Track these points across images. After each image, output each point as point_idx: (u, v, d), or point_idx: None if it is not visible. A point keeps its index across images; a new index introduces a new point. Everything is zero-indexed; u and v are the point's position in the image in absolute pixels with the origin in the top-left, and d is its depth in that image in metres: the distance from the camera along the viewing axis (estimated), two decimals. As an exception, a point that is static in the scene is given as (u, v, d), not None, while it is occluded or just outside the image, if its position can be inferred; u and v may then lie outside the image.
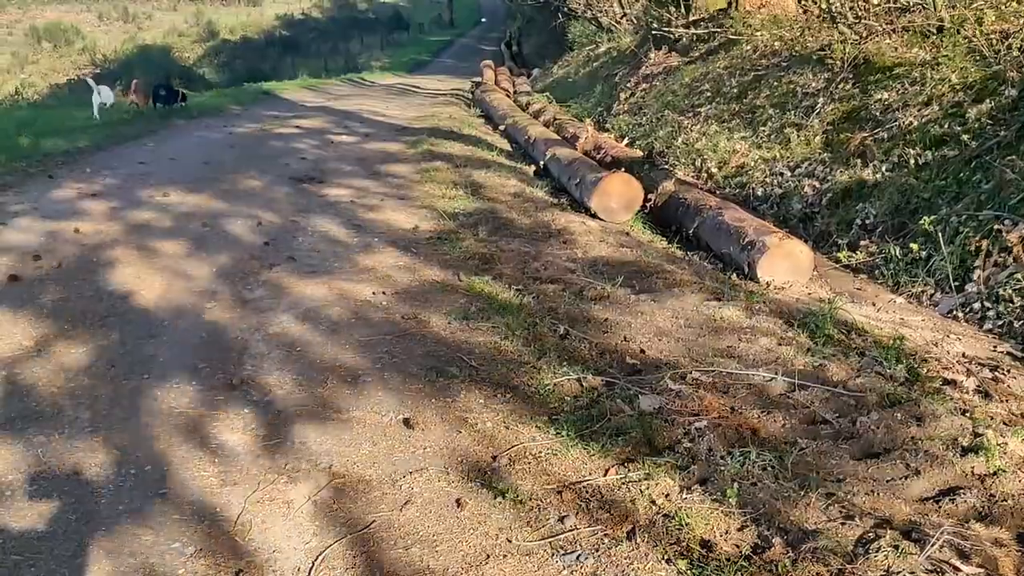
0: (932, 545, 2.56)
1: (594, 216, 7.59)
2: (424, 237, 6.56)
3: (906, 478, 3.09)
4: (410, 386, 3.90)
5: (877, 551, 2.61)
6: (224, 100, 17.81)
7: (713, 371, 4.04)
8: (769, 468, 3.10)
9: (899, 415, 3.62)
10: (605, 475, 3.10)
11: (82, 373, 4.03)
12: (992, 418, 3.76)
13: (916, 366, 4.38)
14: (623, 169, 7.80)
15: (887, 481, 3.08)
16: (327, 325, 4.66)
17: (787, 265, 6.17)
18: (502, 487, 3.03)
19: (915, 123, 7.53)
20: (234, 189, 8.27)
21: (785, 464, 3.14)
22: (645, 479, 3.04)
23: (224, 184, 8.48)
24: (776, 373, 4.05)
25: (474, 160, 10.21)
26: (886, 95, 8.22)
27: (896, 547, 2.62)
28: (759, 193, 8.44)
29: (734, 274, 6.28)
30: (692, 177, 9.59)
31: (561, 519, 2.86)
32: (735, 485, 2.96)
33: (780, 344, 4.48)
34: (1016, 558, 2.63)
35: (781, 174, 8.47)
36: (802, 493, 2.92)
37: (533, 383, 3.90)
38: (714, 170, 9.43)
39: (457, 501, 2.98)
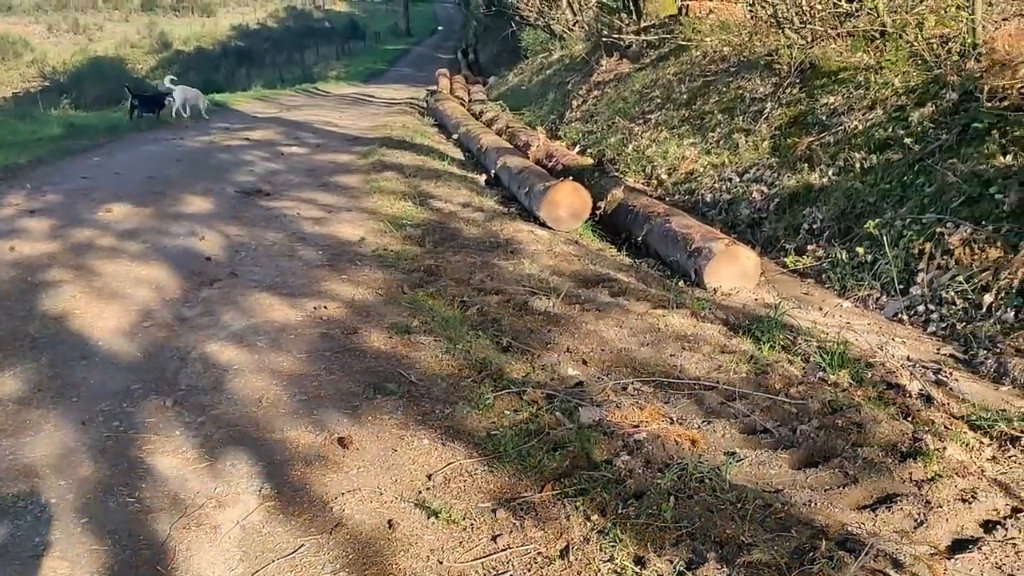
0: (864, 555, 2.53)
1: (543, 225, 7.55)
2: (370, 249, 6.48)
3: (844, 486, 3.07)
4: (347, 404, 3.82)
5: (812, 563, 2.58)
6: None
7: (655, 381, 4.00)
8: (706, 480, 3.06)
9: (840, 422, 3.61)
10: (541, 491, 3.04)
11: (6, 398, 3.90)
12: (933, 422, 3.76)
13: (860, 371, 4.39)
14: (572, 178, 7.77)
15: (825, 490, 3.05)
16: (266, 342, 4.57)
17: (734, 271, 6.17)
18: (436, 506, 2.96)
19: (860, 127, 7.59)
20: (179, 204, 8.13)
21: (723, 476, 3.11)
22: (581, 494, 2.99)
23: (169, 199, 8.33)
24: (717, 382, 4.03)
25: (425, 170, 10.14)
26: (832, 99, 8.29)
27: (831, 558, 2.59)
28: (708, 199, 8.46)
29: (682, 281, 6.27)
30: (642, 184, 9.61)
31: (494, 538, 2.80)
32: (671, 499, 2.92)
33: (723, 352, 4.46)
34: (948, 566, 2.62)
35: (730, 180, 8.49)
36: (739, 505, 2.89)
37: (473, 397, 3.84)
38: (664, 176, 9.45)
39: (389, 522, 2.91)
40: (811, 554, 2.62)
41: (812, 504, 2.94)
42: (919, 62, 7.84)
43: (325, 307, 5.13)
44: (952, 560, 2.64)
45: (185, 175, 9.86)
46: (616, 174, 9.48)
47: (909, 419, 3.78)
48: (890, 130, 7.26)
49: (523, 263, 6.10)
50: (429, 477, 3.20)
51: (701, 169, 9.03)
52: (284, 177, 9.98)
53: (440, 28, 64.73)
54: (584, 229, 7.63)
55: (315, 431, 3.57)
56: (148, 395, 3.93)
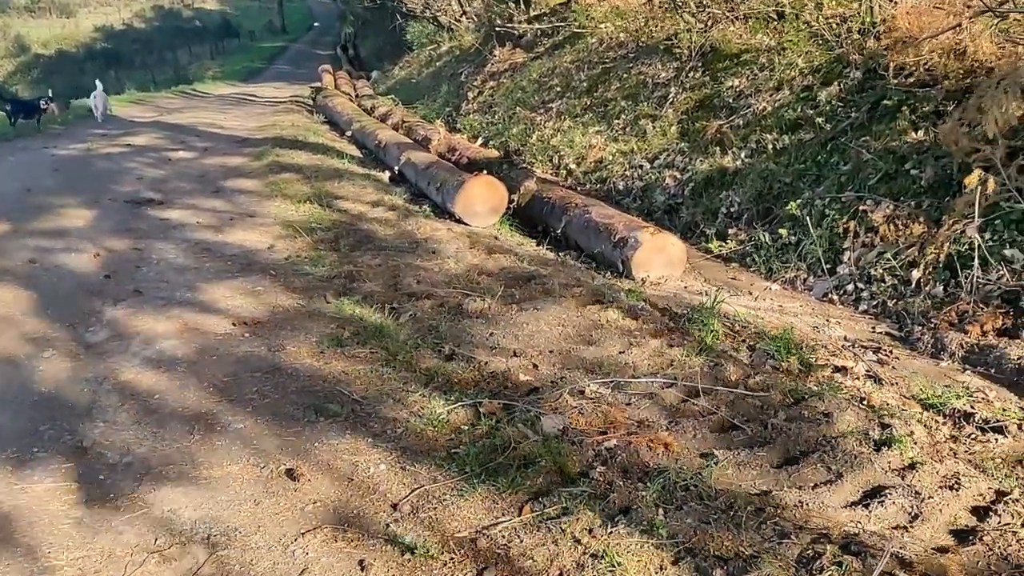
0: (882, 562, 2.40)
1: (459, 221, 7.31)
2: (282, 257, 6.11)
3: (830, 483, 2.96)
4: (288, 430, 3.51)
5: (822, 571, 2.44)
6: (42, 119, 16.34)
7: (611, 382, 3.83)
8: (692, 488, 2.90)
9: (806, 412, 3.51)
10: (520, 514, 2.82)
11: None
12: (888, 404, 3.70)
13: (807, 356, 4.31)
14: (484, 171, 7.54)
15: (812, 488, 2.93)
16: (185, 366, 4.19)
17: (661, 259, 6.07)
18: (409, 541, 2.69)
19: (769, 108, 7.61)
20: (64, 218, 7.53)
21: (706, 481, 2.95)
22: (563, 515, 2.78)
23: (52, 213, 7.72)
24: (675, 378, 3.89)
25: (325, 170, 9.74)
26: (736, 82, 8.30)
27: (840, 564, 2.46)
28: (620, 187, 8.37)
29: (608, 272, 6.13)
30: (551, 174, 9.46)
31: (481, 573, 2.56)
32: (660, 512, 2.75)
33: (671, 346, 4.32)
34: (959, 559, 2.52)
35: (640, 167, 8.42)
36: (731, 513, 2.73)
37: (425, 414, 3.58)
38: (572, 166, 9.32)
39: (360, 563, 2.63)
40: (817, 561, 2.48)
41: (804, 505, 2.81)
42: (820, 42, 7.91)
43: (245, 323, 4.77)
44: (959, 555, 2.54)
45: (66, 186, 9.20)
46: (524, 166, 9.30)
47: (864, 403, 3.71)
48: (799, 110, 7.29)
49: (447, 263, 5.85)
50: (394, 507, 2.93)
51: (610, 157, 8.93)
52: (174, 184, 9.42)
53: (316, 24, 63.42)
54: (501, 223, 7.42)
55: (259, 463, 3.25)
56: (61, 436, 3.52)
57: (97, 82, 17.69)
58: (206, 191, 8.94)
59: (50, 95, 16.66)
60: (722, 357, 4.16)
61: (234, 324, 4.76)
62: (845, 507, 2.82)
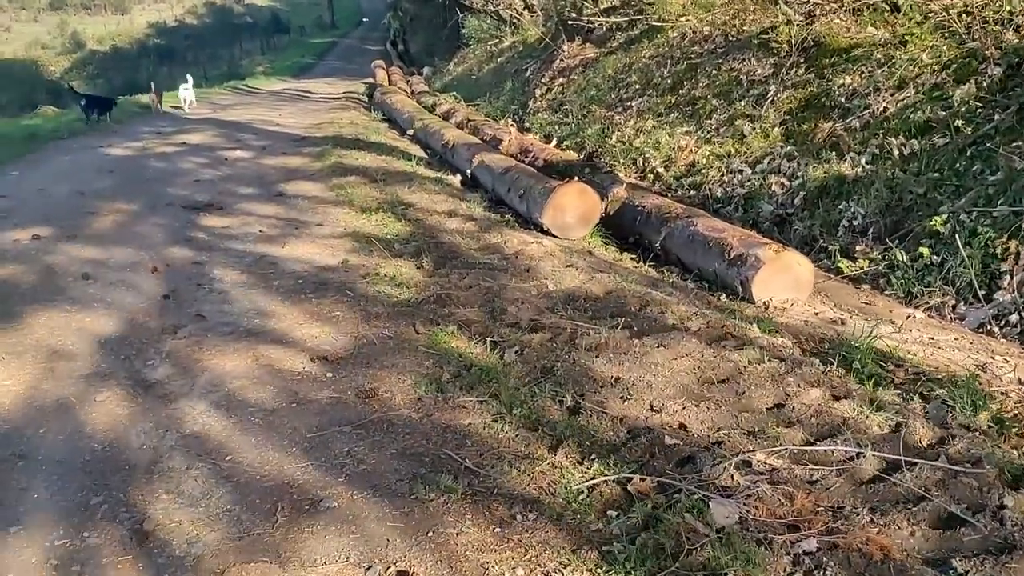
0: None
1: (547, 233, 6.63)
2: (358, 275, 5.47)
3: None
4: (394, 511, 2.83)
5: None
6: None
7: (781, 450, 3.11)
8: (941, 621, 2.18)
9: (1039, 498, 2.76)
10: (717, 655, 2.12)
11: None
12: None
13: (994, 409, 3.57)
14: (574, 177, 6.83)
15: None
16: (261, 416, 3.55)
17: (785, 281, 5.34)
18: None
19: (891, 109, 6.81)
20: (118, 225, 6.99)
21: (957, 611, 2.23)
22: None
23: (105, 220, 7.18)
24: (859, 445, 3.16)
25: (392, 173, 9.11)
26: (848, 79, 7.49)
27: None
28: (718, 194, 7.62)
29: (724, 294, 5.42)
30: (636, 178, 8.74)
31: None
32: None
33: (836, 398, 3.59)
34: None
35: (740, 171, 7.66)
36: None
37: (558, 490, 2.90)
38: (660, 170, 8.58)
39: None
40: None
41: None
42: (947, 34, 7.09)
43: (324, 358, 4.12)
44: None
45: (120, 189, 8.68)
46: (609, 170, 8.58)
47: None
48: (929, 111, 6.49)
49: (546, 283, 5.16)
50: (545, 637, 2.25)
51: (703, 160, 8.18)
52: (232, 187, 8.86)
53: (366, 19, 63.17)
54: (593, 235, 6.72)
55: (362, 561, 2.58)
56: (116, 512, 2.88)
57: (188, 76, 19.17)
58: (266, 195, 8.35)
59: (152, 86, 18.48)
60: (905, 415, 3.42)
61: (313, 360, 4.11)
62: None
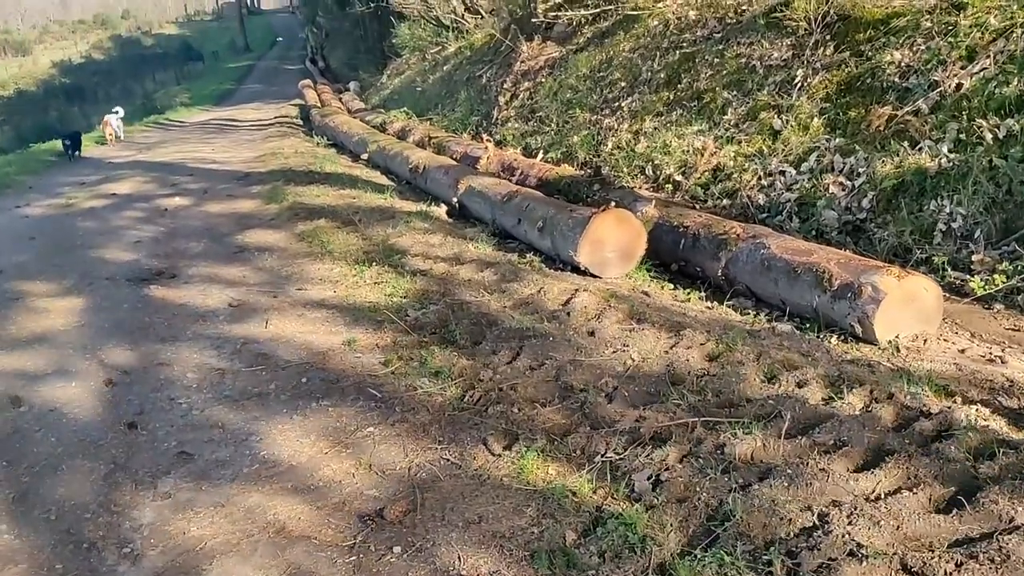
0: None
1: (583, 273, 5.44)
2: (375, 361, 4.22)
3: None
4: None
5: None
6: (8, 170, 13.97)
7: None
8: None
9: None
10: None
11: None
12: None
13: None
14: (614, 204, 5.64)
15: None
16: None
17: (912, 312, 4.25)
18: None
19: (967, 85, 5.76)
20: (51, 315, 5.58)
21: None
22: None
23: (33, 309, 5.77)
24: None
25: (366, 210, 7.83)
26: (897, 55, 6.43)
27: None
28: (760, 202, 6.51)
29: (832, 336, 4.30)
30: (649, 189, 7.59)
31: None
32: None
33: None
34: None
35: (782, 173, 6.56)
36: None
37: None
38: (678, 178, 7.45)
39: None
40: None
41: None
42: (1010, -8, 6.08)
43: (377, 516, 2.88)
44: None
45: (46, 261, 7.23)
46: (622, 184, 7.43)
47: None
48: (1019, 83, 5.45)
49: (625, 353, 3.97)
50: None
51: (730, 163, 7.06)
52: (181, 244, 7.50)
53: (280, 39, 61.41)
54: (638, 270, 5.55)
55: None
56: None
57: (118, 108, 18.98)
58: (224, 253, 7.02)
59: (119, 111, 18.31)
60: None
61: (362, 520, 2.86)
62: None
